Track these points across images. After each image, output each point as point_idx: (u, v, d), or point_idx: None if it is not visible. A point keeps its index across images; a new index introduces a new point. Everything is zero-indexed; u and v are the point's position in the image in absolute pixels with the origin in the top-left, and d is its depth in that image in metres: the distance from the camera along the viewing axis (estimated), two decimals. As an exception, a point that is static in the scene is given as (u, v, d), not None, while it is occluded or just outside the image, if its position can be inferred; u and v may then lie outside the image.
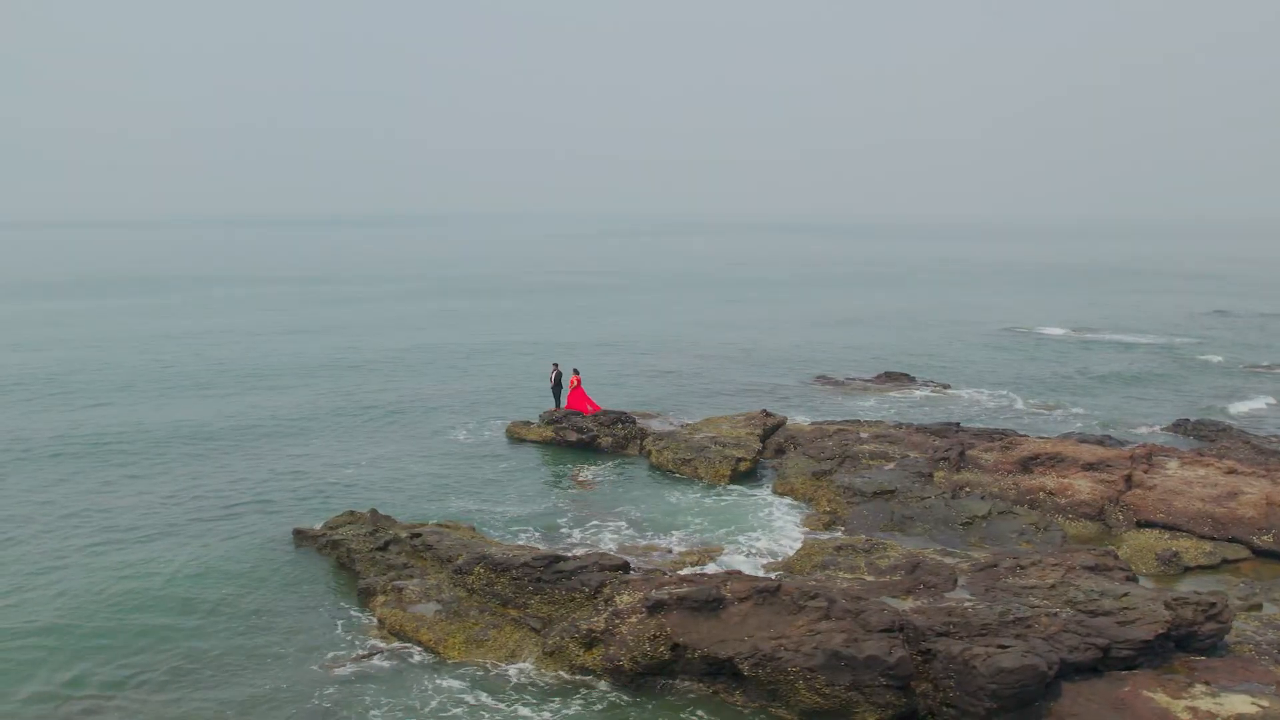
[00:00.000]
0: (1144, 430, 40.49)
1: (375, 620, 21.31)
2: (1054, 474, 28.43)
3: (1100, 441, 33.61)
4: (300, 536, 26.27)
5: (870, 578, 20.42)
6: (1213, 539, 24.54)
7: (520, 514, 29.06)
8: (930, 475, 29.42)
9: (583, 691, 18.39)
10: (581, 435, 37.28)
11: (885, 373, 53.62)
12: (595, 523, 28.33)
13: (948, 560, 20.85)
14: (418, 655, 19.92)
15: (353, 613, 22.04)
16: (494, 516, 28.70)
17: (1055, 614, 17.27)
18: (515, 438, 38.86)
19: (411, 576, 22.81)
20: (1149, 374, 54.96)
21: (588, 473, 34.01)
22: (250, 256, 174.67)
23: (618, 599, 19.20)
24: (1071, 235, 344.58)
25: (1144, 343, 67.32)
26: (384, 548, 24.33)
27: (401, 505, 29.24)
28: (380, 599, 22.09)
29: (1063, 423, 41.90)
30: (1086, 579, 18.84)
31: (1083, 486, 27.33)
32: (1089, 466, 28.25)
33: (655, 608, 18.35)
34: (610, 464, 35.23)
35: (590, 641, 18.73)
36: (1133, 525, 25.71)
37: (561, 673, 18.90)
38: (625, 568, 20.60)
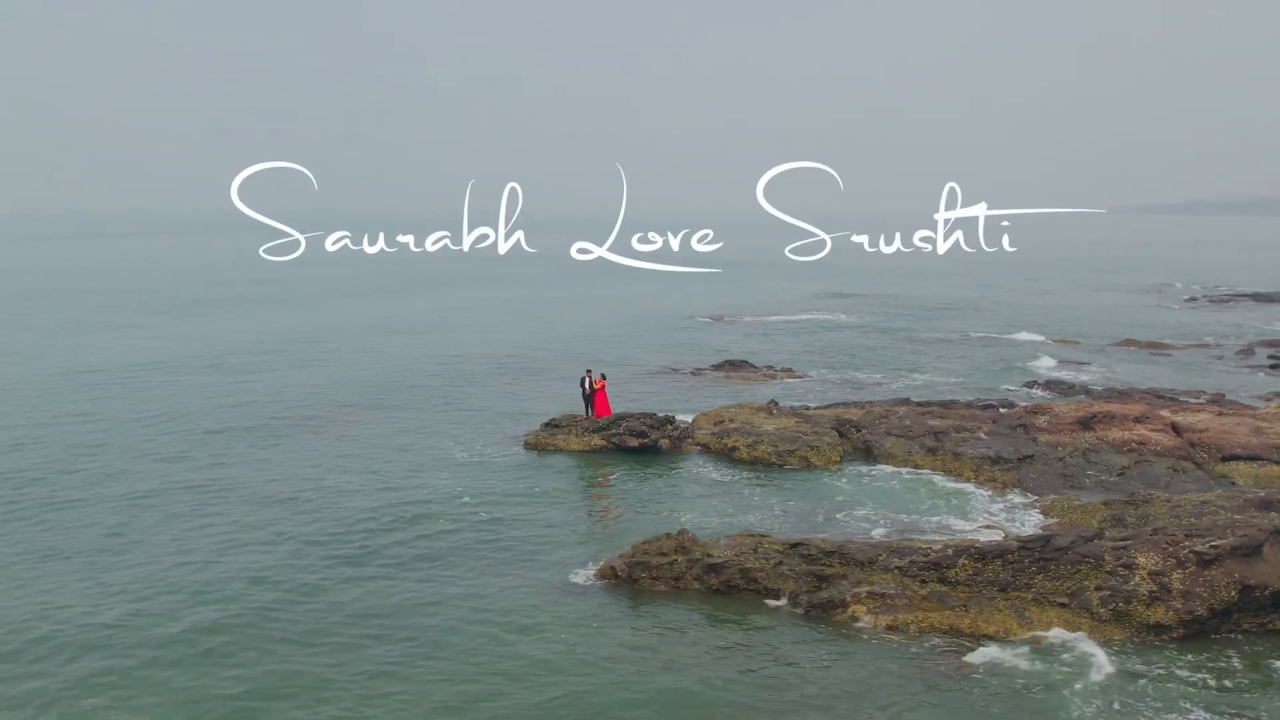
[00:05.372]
0: (1007, 390, 49.76)
1: (883, 628, 21.59)
2: (1115, 428, 35.47)
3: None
4: (637, 568, 24.39)
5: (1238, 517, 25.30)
6: (1290, 464, 32.97)
7: (730, 523, 28.68)
8: (1035, 440, 34.92)
9: (1155, 645, 21.06)
10: (644, 439, 37.02)
11: (726, 361, 57.74)
12: (815, 518, 29.54)
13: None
14: (979, 645, 20.89)
15: (854, 627, 21.88)
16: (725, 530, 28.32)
17: None
18: (544, 449, 37.36)
19: (859, 584, 23.07)
20: (901, 347, 65.63)
21: (714, 475, 34.31)
22: None
23: (1139, 561, 22.01)
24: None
25: (848, 321, 79.24)
26: (779, 564, 23.95)
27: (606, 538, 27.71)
28: (859, 609, 22.26)
29: (949, 392, 49.55)
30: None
31: (1157, 436, 34.67)
32: (1138, 419, 35.74)
33: (1209, 561, 21.59)
34: (696, 464, 35.70)
35: (1150, 600, 21.41)
36: (1218, 461, 33.44)
37: (1124, 633, 21.33)
38: (1100, 535, 23.32)
